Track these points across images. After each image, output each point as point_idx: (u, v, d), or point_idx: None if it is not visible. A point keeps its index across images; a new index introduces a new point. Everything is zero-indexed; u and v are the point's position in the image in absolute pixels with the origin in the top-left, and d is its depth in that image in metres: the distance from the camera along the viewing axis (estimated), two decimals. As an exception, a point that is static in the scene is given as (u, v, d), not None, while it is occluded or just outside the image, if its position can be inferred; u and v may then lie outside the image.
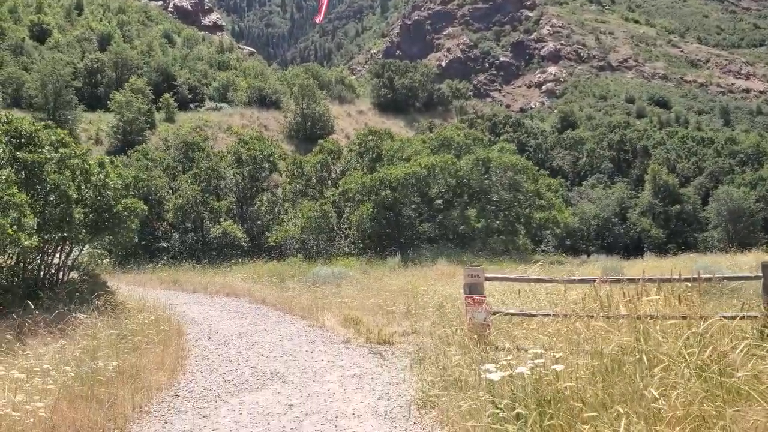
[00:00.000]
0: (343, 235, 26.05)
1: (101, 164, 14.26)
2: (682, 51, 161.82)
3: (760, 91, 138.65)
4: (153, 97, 63.13)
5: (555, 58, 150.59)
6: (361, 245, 25.17)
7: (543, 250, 41.98)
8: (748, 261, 20.86)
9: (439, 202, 27.25)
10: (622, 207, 50.81)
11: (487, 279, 6.97)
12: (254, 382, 7.46)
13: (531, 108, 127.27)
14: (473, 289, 6.97)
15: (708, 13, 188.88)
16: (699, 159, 60.26)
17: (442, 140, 30.25)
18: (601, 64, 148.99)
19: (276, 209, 29.58)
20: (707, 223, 49.10)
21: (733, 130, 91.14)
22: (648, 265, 20.80)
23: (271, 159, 29.07)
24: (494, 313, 6.91)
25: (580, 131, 73.71)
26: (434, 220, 27.26)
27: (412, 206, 26.52)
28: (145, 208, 15.39)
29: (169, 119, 62.07)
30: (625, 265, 19.59)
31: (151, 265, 25.97)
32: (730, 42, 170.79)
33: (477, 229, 25.76)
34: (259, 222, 29.06)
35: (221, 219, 27.18)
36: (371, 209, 24.59)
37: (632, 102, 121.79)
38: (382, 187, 24.70)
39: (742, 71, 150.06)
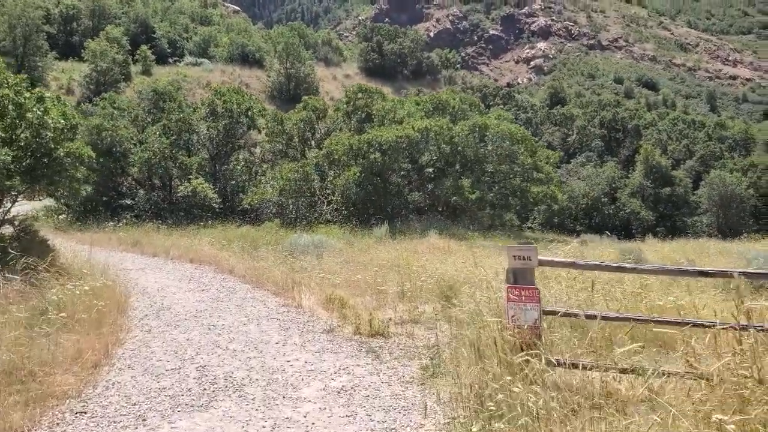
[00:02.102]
0: (325, 201, 23.79)
1: (40, 99, 11.79)
2: (672, 33, 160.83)
3: (747, 79, 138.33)
4: (130, 48, 60.03)
5: (545, 34, 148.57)
6: (345, 212, 22.94)
7: (529, 227, 40.24)
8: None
9: (431, 170, 25.03)
10: (612, 187, 49.17)
11: (542, 264, 4.86)
12: (199, 393, 5.28)
13: (518, 83, 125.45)
14: (520, 277, 4.85)
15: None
16: (690, 142, 58.84)
17: (437, 103, 27.87)
18: (591, 42, 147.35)
19: (253, 169, 27.14)
20: (697, 207, 47.69)
21: (719, 116, 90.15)
22: (664, 249, 18.96)
23: (250, 114, 26.51)
24: (551, 313, 4.79)
25: (570, 107, 71.79)
26: (424, 189, 25.08)
27: (402, 173, 24.28)
28: (93, 154, 12.98)
29: (146, 72, 59.19)
30: (637, 247, 17.69)
31: (111, 223, 23.67)
32: (719, 28, 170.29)
33: (471, 201, 23.64)
34: (233, 182, 26.64)
35: (191, 176, 24.75)
36: (358, 174, 22.30)
37: (620, 82, 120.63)
38: (371, 150, 22.38)
39: (730, 58, 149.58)
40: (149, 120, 28.29)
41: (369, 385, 5.45)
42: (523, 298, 4.79)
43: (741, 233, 34.86)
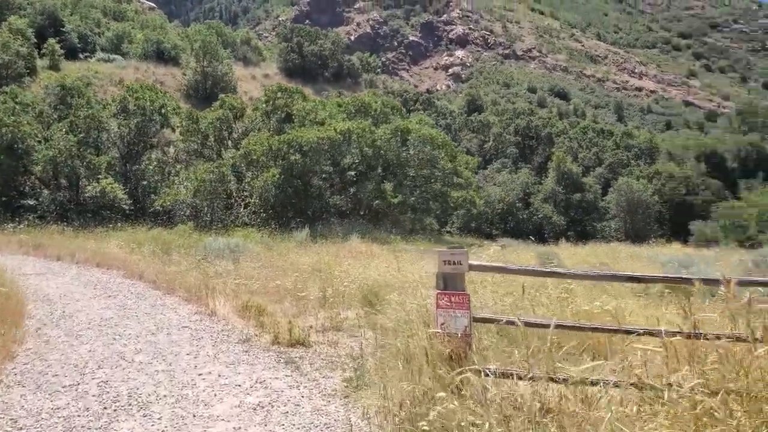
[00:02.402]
0: (242, 203, 23.07)
1: (-75, 88, 10.74)
2: (582, 45, 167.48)
3: (651, 91, 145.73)
4: (36, 41, 56.48)
5: (463, 42, 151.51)
6: (264, 215, 22.32)
7: (448, 232, 40.67)
8: (673, 252, 19.89)
9: (352, 173, 24.75)
10: (526, 192, 50.54)
11: (473, 268, 4.65)
12: (99, 412, 4.76)
13: (438, 90, 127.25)
14: (451, 282, 4.64)
15: (608, 11, 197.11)
16: (599, 150, 61.27)
17: (359, 105, 27.65)
18: (507, 51, 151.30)
19: (166, 169, 26.04)
20: (606, 212, 49.63)
21: (626, 126, 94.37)
22: (578, 253, 19.42)
23: (163, 112, 25.43)
24: (487, 321, 4.57)
25: (487, 115, 73.37)
26: (346, 193, 24.78)
27: (323, 175, 23.88)
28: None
29: (54, 67, 55.76)
30: (553, 251, 18.05)
31: (11, 225, 22.15)
32: (626, 41, 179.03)
33: (393, 205, 23.52)
34: (145, 182, 25.47)
35: (100, 176, 23.48)
36: (277, 175, 21.73)
37: (534, 91, 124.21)
38: (291, 151, 21.87)
39: (636, 70, 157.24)
40: (55, 116, 26.75)
41: (288, 400, 5.08)
42: (453, 304, 4.57)
43: (647, 238, 36.47)
